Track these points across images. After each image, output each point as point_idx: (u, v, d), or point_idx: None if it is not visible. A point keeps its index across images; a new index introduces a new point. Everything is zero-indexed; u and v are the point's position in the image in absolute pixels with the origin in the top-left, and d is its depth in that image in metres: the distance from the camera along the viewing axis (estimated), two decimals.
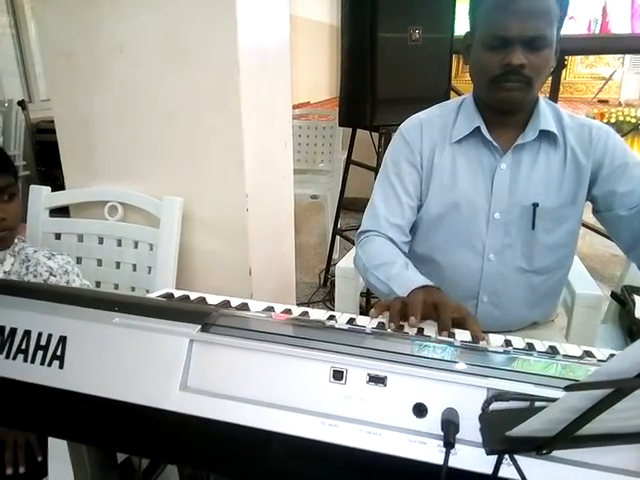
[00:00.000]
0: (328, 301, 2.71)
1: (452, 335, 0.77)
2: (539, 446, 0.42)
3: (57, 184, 1.60)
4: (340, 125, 2.58)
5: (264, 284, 1.56)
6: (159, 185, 1.46)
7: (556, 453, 0.44)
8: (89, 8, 1.39)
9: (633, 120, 4.16)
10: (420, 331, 0.78)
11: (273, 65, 1.52)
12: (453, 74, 2.38)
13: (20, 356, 0.60)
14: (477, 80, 1.05)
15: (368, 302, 2.42)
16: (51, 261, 1.16)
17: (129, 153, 1.50)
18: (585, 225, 2.92)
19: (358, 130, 2.57)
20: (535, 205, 1.04)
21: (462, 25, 2.22)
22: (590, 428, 0.38)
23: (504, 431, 0.43)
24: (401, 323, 0.79)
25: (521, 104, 1.02)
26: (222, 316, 0.62)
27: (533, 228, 1.05)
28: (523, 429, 0.42)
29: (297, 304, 2.09)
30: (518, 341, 0.76)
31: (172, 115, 1.42)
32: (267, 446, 0.52)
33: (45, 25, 1.48)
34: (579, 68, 6.30)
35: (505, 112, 1.04)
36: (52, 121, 1.58)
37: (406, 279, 0.96)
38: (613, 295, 1.57)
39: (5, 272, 1.12)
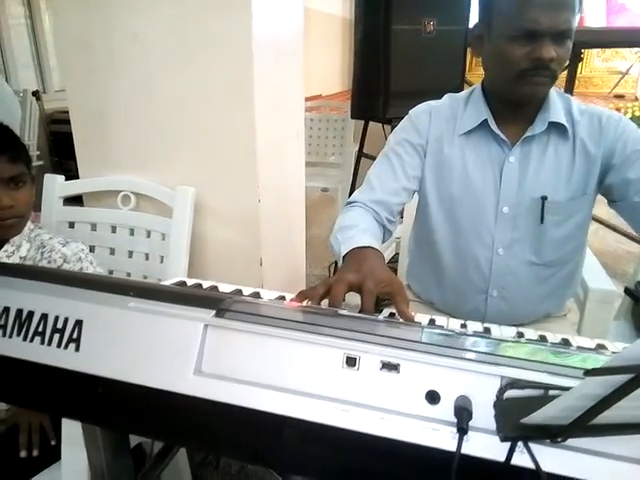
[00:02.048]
0: None
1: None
2: (554, 434, 0.42)
3: (70, 175, 1.60)
4: (352, 117, 2.58)
5: (274, 275, 1.56)
6: (172, 175, 1.47)
7: (570, 442, 0.44)
8: None
9: None
10: (432, 321, 0.78)
11: (286, 56, 1.51)
12: (467, 67, 2.36)
13: (37, 338, 0.61)
14: (498, 73, 1.01)
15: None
16: (65, 248, 1.17)
17: (142, 143, 1.50)
18: (598, 221, 2.89)
19: (370, 123, 2.57)
20: (544, 198, 1.02)
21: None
22: (607, 416, 0.38)
23: (519, 418, 0.43)
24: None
25: (543, 98, 1.01)
26: (236, 302, 0.62)
27: (542, 222, 1.04)
28: (538, 416, 0.41)
29: None
30: (531, 333, 0.76)
31: (186, 106, 1.42)
32: (279, 430, 0.53)
33: (60, 15, 1.48)
34: (595, 62, 6.21)
35: (520, 105, 1.02)
36: (66, 112, 1.59)
37: (353, 240, 0.89)
38: (627, 291, 1.55)
39: (21, 257, 1.14)
